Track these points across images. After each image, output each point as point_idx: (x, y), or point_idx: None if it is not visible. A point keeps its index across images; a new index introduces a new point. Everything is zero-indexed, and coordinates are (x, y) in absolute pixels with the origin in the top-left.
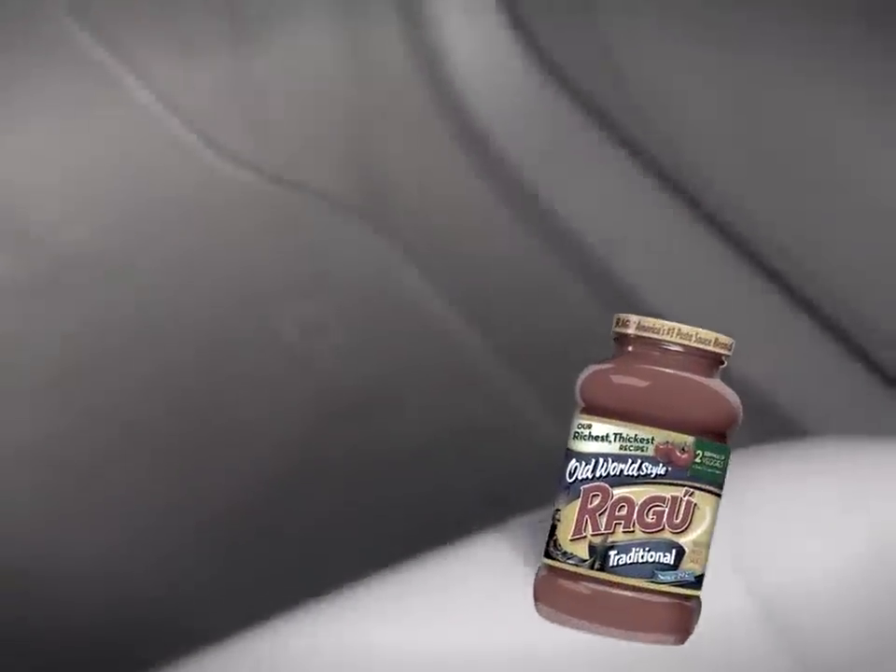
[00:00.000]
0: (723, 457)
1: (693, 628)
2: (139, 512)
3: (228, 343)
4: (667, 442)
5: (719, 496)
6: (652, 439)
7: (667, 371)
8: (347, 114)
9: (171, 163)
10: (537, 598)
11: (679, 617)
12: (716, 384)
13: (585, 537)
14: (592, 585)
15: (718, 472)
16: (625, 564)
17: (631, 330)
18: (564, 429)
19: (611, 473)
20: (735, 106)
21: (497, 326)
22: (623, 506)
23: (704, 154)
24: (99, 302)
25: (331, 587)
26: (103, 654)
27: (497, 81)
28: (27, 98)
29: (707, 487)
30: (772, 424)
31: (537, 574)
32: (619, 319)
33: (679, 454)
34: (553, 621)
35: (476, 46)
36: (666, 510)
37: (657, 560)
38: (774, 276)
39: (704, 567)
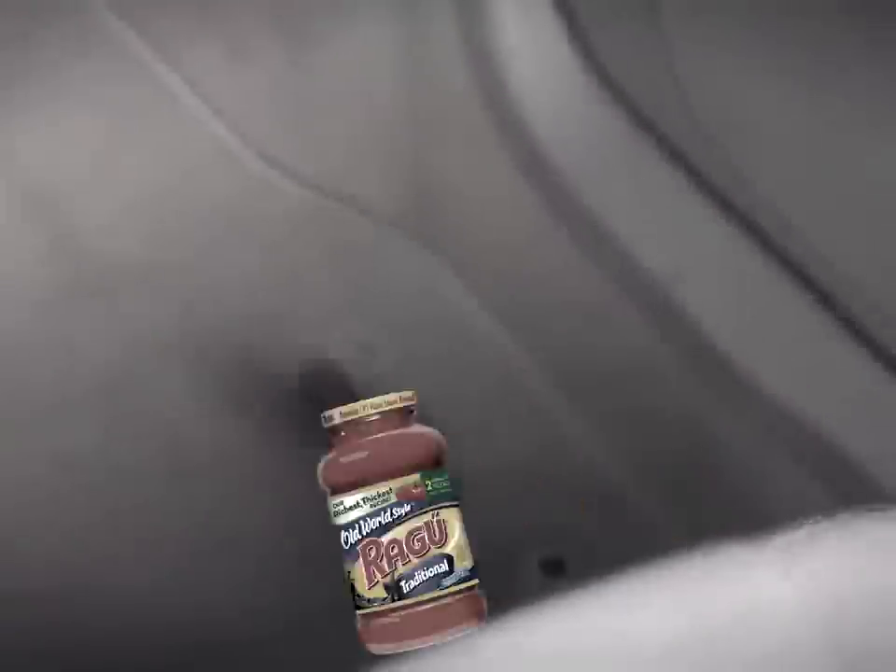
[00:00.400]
0: (445, 477)
1: (485, 608)
2: (188, 521)
3: (273, 357)
4: (402, 487)
5: (457, 505)
6: (391, 489)
7: (376, 436)
8: (399, 125)
9: (217, 171)
10: (364, 642)
11: (472, 605)
12: (415, 428)
13: (378, 581)
14: (400, 613)
15: (448, 490)
16: (416, 586)
17: (337, 420)
18: (611, 449)
19: (374, 528)
20: (813, 140)
21: (549, 347)
22: (394, 546)
23: (774, 186)
24: (145, 311)
25: None
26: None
27: (554, 98)
28: (74, 101)
29: (446, 504)
30: (846, 474)
31: (357, 625)
32: (325, 416)
33: (414, 490)
34: (384, 652)
35: (533, 60)
36: (426, 534)
37: (437, 572)
38: (839, 313)
39: (472, 559)
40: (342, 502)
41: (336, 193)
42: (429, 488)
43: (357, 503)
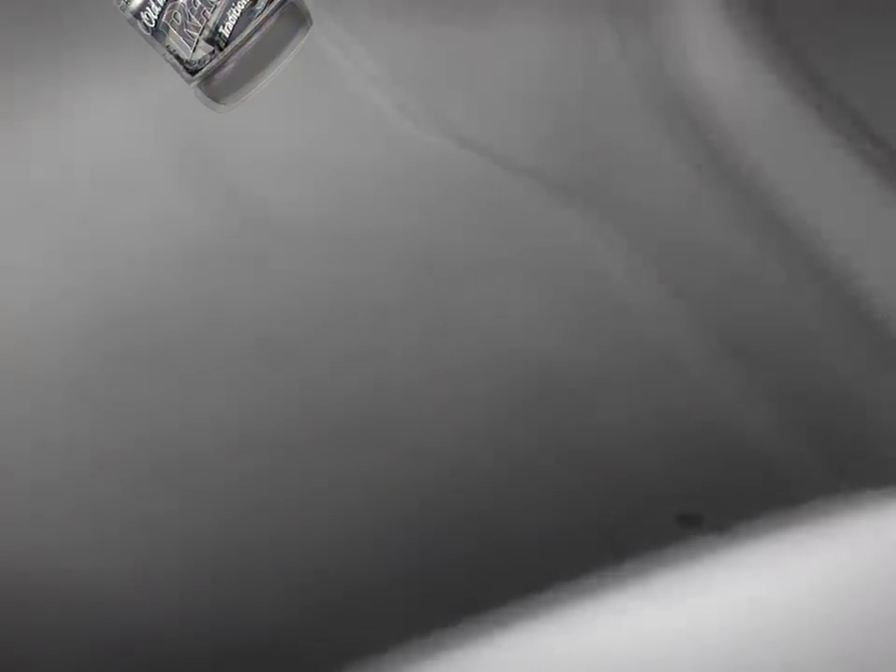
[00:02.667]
0: None
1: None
2: (341, 491)
3: (422, 320)
4: None
5: None
6: None
7: None
8: (568, 93)
9: (383, 140)
10: (217, 101)
11: (295, 13)
12: None
13: (197, 40)
14: (235, 57)
15: None
16: (234, 25)
17: None
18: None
19: None
20: None
21: (708, 315)
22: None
23: None
24: (306, 276)
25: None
26: None
27: (729, 72)
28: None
29: None
30: None
31: (200, 95)
32: None
33: None
34: (240, 100)
35: (710, 35)
36: None
37: (245, 3)
38: None
39: None
40: None
41: (502, 159)
42: None
43: None
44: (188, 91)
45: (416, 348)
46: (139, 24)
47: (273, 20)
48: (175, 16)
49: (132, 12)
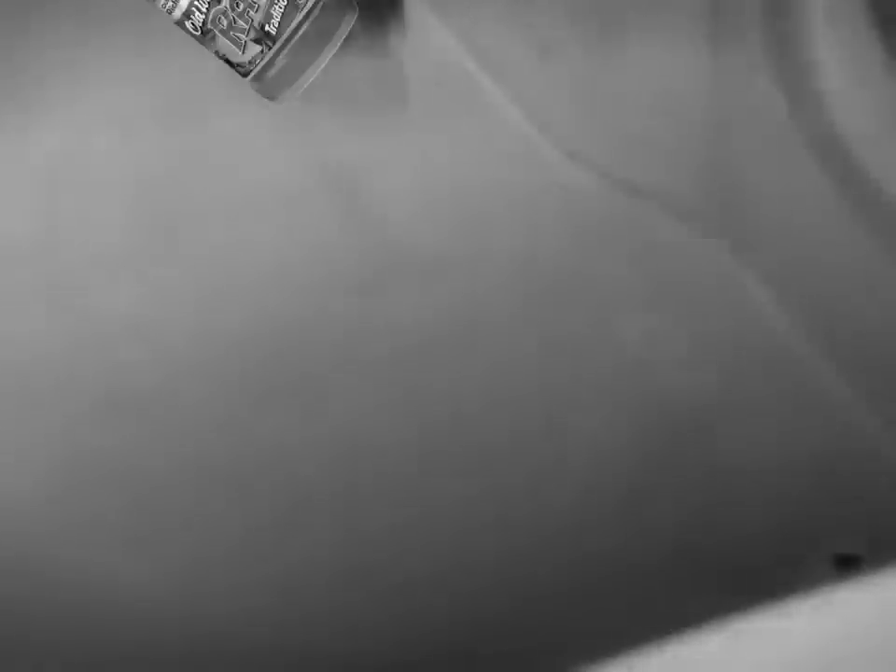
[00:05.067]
0: None
1: None
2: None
3: (565, 346)
4: None
5: None
6: None
7: None
8: (704, 125)
9: (521, 167)
10: (275, 97)
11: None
12: None
13: (245, 41)
14: (285, 51)
15: None
16: (280, 21)
17: None
18: None
19: None
20: None
21: (846, 344)
22: (236, 1)
23: None
24: (429, 302)
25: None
26: None
27: (861, 101)
28: (383, 97)
29: None
30: None
31: (258, 93)
32: None
33: None
34: (297, 93)
35: (844, 67)
36: None
37: None
38: None
39: None
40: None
41: (640, 188)
42: None
43: None
44: (327, 114)
45: (560, 372)
46: (186, 27)
47: (317, 10)
48: (219, 20)
49: (176, 20)
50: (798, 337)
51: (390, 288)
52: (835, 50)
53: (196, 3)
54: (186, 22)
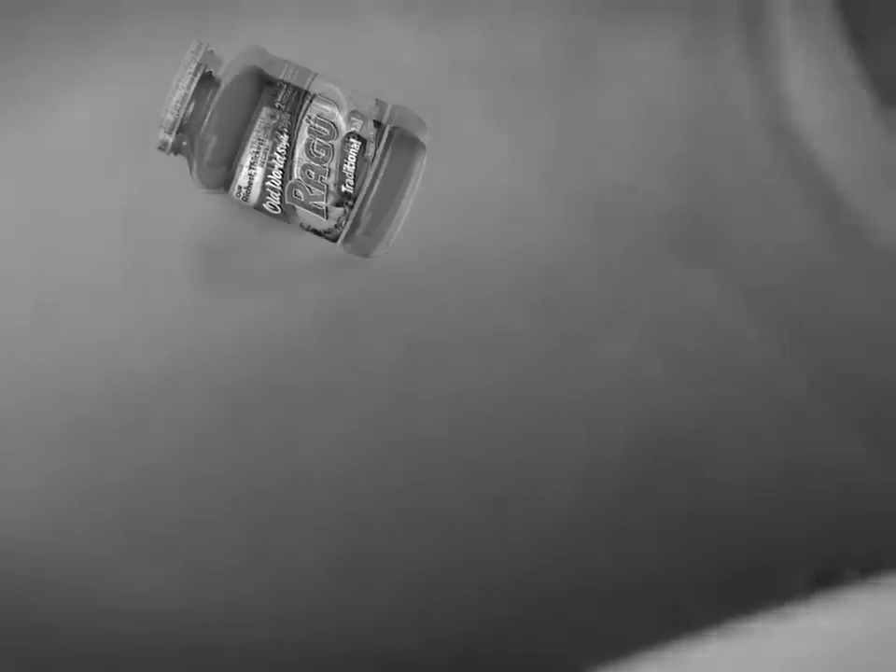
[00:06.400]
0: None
1: (418, 120)
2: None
3: (551, 365)
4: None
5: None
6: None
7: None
8: (681, 142)
9: (504, 194)
10: (369, 255)
11: (406, 137)
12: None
13: (325, 208)
14: (364, 208)
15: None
16: (354, 176)
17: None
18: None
19: (278, 173)
20: None
21: (823, 367)
22: (307, 171)
23: None
24: (416, 316)
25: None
26: None
27: (840, 130)
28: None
29: (295, 98)
30: None
31: (351, 253)
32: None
33: (272, 120)
34: (390, 242)
35: (822, 91)
36: (315, 135)
37: (355, 149)
38: None
39: (352, 106)
40: (238, 185)
41: (618, 210)
42: (279, 105)
43: (248, 164)
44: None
45: (548, 391)
46: (265, 209)
47: (388, 158)
48: (295, 194)
49: (255, 205)
50: (777, 354)
51: (378, 305)
52: (804, 59)
53: (269, 183)
54: (264, 205)
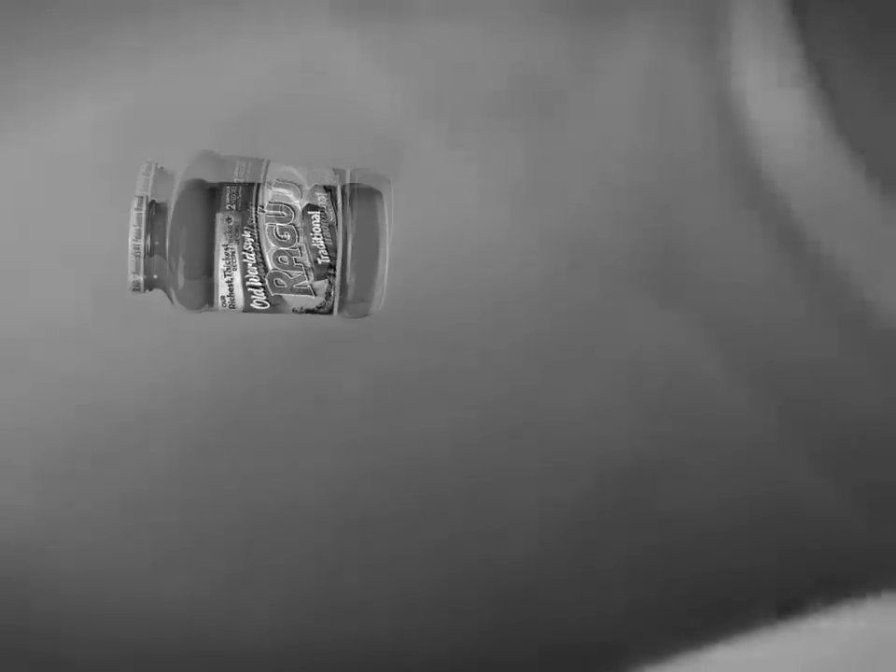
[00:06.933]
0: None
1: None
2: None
3: (511, 404)
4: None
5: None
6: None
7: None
8: (642, 175)
9: (473, 229)
10: (368, 314)
11: (369, 192)
12: None
13: (311, 286)
14: (347, 271)
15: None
16: (329, 248)
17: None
18: (872, 520)
19: (254, 269)
20: None
21: (790, 404)
22: (281, 257)
23: None
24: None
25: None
26: None
27: (797, 153)
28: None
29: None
30: None
31: (350, 318)
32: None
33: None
34: (380, 298)
35: (777, 112)
36: (276, 223)
37: (325, 222)
38: None
39: (313, 180)
40: (220, 296)
41: (578, 248)
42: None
43: (223, 272)
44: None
45: (497, 435)
46: (254, 307)
47: (351, 216)
48: (277, 283)
49: (243, 310)
50: (735, 389)
51: (348, 339)
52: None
53: (249, 283)
54: (252, 305)
